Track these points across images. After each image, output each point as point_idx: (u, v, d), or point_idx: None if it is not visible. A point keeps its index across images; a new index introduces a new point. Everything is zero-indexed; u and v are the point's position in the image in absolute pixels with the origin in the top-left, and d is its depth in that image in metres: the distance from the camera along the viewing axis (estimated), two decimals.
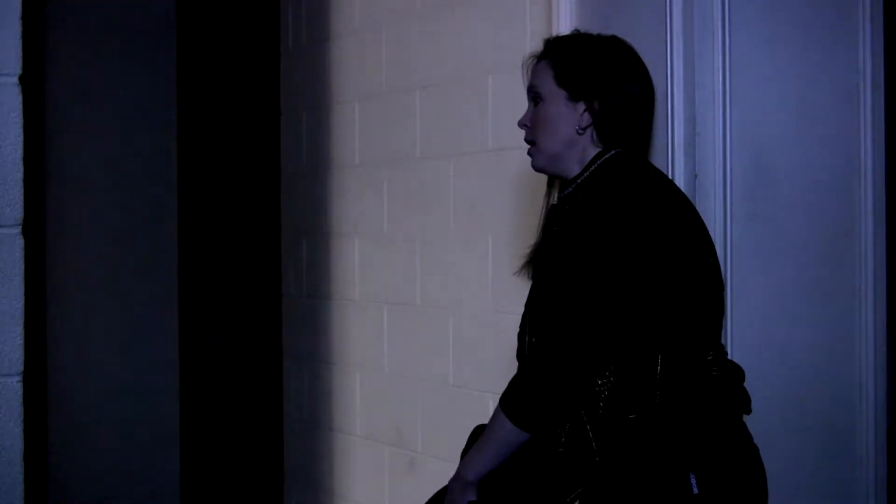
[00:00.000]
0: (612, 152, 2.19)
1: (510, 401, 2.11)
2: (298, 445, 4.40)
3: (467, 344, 3.47)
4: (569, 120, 2.21)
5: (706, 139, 2.60)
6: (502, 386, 3.37)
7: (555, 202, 2.30)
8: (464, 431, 3.48)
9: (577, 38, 2.29)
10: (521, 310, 3.24)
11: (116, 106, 5.08)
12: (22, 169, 2.04)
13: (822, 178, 2.74)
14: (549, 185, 2.33)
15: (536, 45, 3.21)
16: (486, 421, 3.28)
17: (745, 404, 2.16)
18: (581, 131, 2.20)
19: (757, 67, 2.64)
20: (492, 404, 3.35)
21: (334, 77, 4.12)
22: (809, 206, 2.72)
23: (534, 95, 2.27)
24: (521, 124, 2.30)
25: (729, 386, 2.13)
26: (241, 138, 4.76)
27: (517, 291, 3.27)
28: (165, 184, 5.17)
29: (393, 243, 3.81)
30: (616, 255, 2.01)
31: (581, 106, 2.20)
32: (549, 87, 2.23)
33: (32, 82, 4.70)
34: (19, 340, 2.04)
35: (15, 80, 2.04)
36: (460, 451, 3.58)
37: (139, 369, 5.12)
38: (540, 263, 2.22)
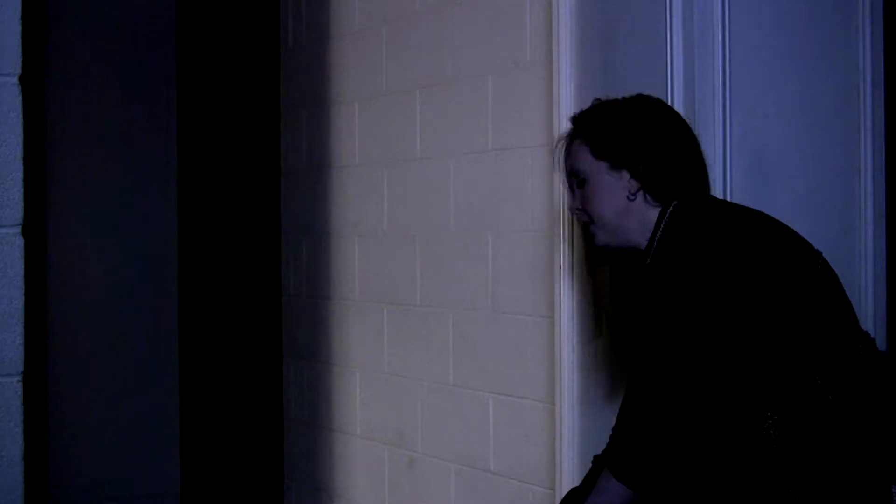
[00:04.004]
0: (673, 206, 2.17)
1: (621, 463, 2.10)
2: (298, 445, 4.40)
3: (467, 344, 3.47)
4: (617, 189, 2.20)
5: (706, 139, 2.60)
6: (502, 386, 3.38)
7: (615, 271, 2.29)
8: (464, 431, 3.48)
9: (602, 107, 2.28)
10: (521, 310, 3.24)
11: (116, 106, 5.08)
12: (22, 169, 2.04)
13: (822, 178, 2.74)
14: (602, 261, 2.31)
15: (536, 45, 3.22)
16: (485, 421, 3.29)
17: None
18: (632, 197, 2.19)
19: (757, 67, 2.64)
20: (492, 404, 3.35)
21: (334, 77, 4.12)
22: (809, 205, 2.72)
23: (578, 180, 2.26)
24: (574, 209, 2.29)
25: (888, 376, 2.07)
26: (241, 138, 4.76)
27: (517, 291, 3.27)
28: (166, 183, 5.17)
29: (393, 243, 3.81)
30: (736, 299, 1.98)
31: (625, 173, 2.19)
32: (589, 163, 2.23)
33: (32, 82, 4.71)
34: (19, 340, 2.04)
35: (15, 80, 2.04)
36: (460, 451, 3.60)
37: (139, 369, 5.12)
38: (646, 334, 2.14)
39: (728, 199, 2.62)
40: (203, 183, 5.04)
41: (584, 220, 2.26)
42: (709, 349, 1.99)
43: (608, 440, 2.32)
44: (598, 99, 2.35)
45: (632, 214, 2.20)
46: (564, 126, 2.88)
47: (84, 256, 5.04)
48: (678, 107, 2.60)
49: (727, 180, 2.61)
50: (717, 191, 2.63)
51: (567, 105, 2.88)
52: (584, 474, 2.87)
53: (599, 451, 2.83)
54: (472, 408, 3.44)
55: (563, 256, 2.90)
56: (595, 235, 2.25)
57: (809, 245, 2.13)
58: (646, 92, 2.65)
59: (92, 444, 5.02)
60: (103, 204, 5.07)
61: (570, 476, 2.89)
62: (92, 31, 5.05)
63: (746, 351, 1.98)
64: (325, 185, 4.18)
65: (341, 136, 4.09)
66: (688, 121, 2.59)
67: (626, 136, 2.19)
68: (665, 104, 2.28)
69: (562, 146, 2.31)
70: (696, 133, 2.60)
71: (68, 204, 5.00)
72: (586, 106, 2.83)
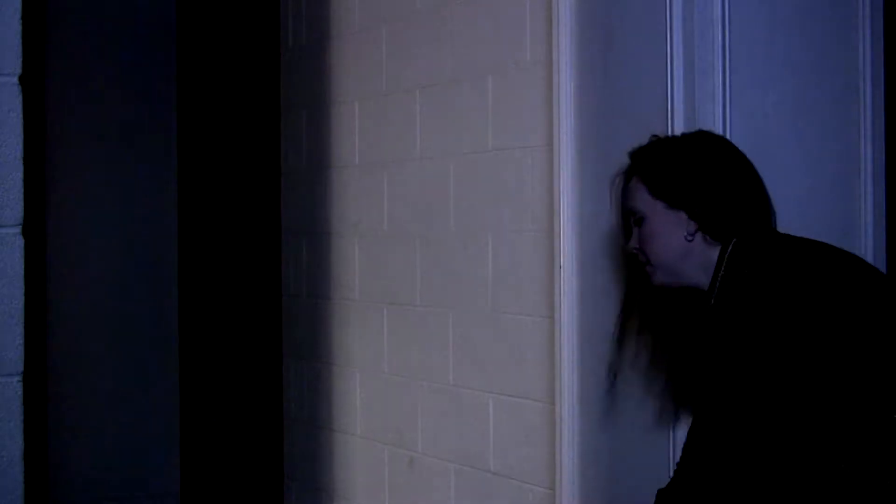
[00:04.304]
0: (732, 244, 2.13)
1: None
2: (298, 445, 4.40)
3: (467, 344, 3.47)
4: (674, 229, 2.16)
5: None
6: (502, 386, 3.38)
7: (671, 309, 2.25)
8: (464, 431, 3.48)
9: (659, 144, 2.25)
10: (521, 310, 3.24)
11: (116, 106, 5.08)
12: (22, 169, 2.04)
13: (822, 178, 2.74)
14: (653, 299, 2.27)
15: (536, 45, 3.22)
16: (485, 421, 3.29)
17: None
18: (690, 237, 2.15)
19: (757, 67, 2.64)
20: (492, 404, 3.35)
21: (334, 77, 4.12)
22: (809, 206, 2.72)
23: (635, 219, 2.22)
24: (632, 248, 2.24)
25: None
26: (241, 138, 4.76)
27: (517, 291, 3.27)
28: (165, 184, 5.17)
29: (393, 243, 3.81)
30: (814, 338, 1.93)
31: (682, 213, 2.15)
32: (646, 202, 2.19)
33: (32, 82, 4.71)
34: (19, 340, 2.04)
35: (15, 80, 2.04)
36: (460, 451, 3.60)
37: (139, 369, 5.12)
38: (715, 375, 2.10)
39: None
40: (203, 183, 5.03)
41: (642, 260, 2.22)
42: (786, 390, 1.95)
43: (672, 475, 2.30)
44: (656, 135, 2.31)
45: (691, 255, 2.16)
46: (564, 126, 2.88)
47: (84, 256, 5.04)
48: (678, 107, 2.60)
49: None
50: None
51: (567, 105, 2.88)
52: (584, 474, 2.87)
53: (598, 450, 2.83)
54: (472, 408, 3.43)
55: (563, 256, 2.90)
56: (652, 276, 2.21)
57: (883, 275, 2.08)
58: (645, 92, 2.66)
59: (92, 444, 5.02)
60: (103, 204, 5.07)
61: (570, 476, 2.89)
62: (92, 31, 5.05)
63: (826, 390, 1.93)
64: (325, 185, 4.18)
65: (341, 136, 4.09)
66: (687, 122, 2.60)
67: (683, 175, 2.15)
68: (725, 141, 2.23)
69: (618, 182, 2.27)
70: (695, 129, 2.60)
71: (68, 204, 5.00)
72: (587, 106, 2.83)
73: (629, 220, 2.25)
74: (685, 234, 2.15)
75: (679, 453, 2.60)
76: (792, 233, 2.76)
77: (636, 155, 2.26)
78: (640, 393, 2.62)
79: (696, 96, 2.59)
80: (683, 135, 2.27)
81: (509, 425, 3.29)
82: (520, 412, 3.24)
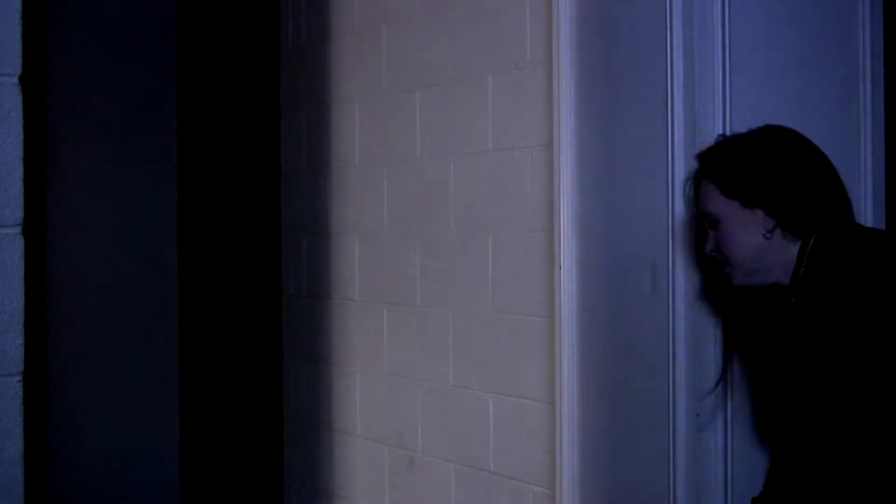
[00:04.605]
0: (814, 238, 2.08)
1: None
2: (298, 445, 4.40)
3: (467, 344, 3.47)
4: (751, 228, 2.12)
5: (706, 139, 2.60)
6: (502, 386, 3.38)
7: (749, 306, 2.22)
8: (464, 431, 3.48)
9: (727, 143, 2.22)
10: (521, 310, 3.24)
11: (116, 106, 5.08)
12: (22, 169, 2.04)
13: None
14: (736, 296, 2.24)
15: (536, 45, 3.22)
16: (485, 421, 3.29)
17: None
18: (768, 235, 2.11)
19: (757, 67, 2.64)
20: (492, 404, 3.35)
21: (335, 76, 4.12)
22: None
23: (709, 221, 2.19)
24: (710, 252, 2.21)
25: None
26: (241, 138, 4.76)
27: (517, 291, 3.27)
28: (165, 183, 5.17)
29: (393, 243, 3.81)
30: None
31: (759, 211, 2.11)
32: (720, 204, 2.15)
33: (32, 82, 4.70)
34: (19, 340, 2.04)
35: (15, 80, 2.04)
36: (460, 451, 3.60)
37: (139, 369, 5.12)
38: (803, 374, 2.05)
39: None
40: (203, 183, 5.04)
41: (720, 262, 2.19)
42: (878, 387, 1.92)
43: (763, 484, 2.25)
44: (723, 135, 2.28)
45: (770, 252, 2.12)
46: (564, 126, 2.88)
47: (84, 256, 5.04)
48: (678, 106, 2.60)
49: None
50: None
51: (567, 105, 2.88)
52: (584, 474, 2.87)
53: (598, 450, 2.83)
54: (472, 408, 3.43)
55: (563, 256, 2.90)
56: (731, 277, 2.17)
57: None
58: (645, 92, 2.66)
59: (92, 443, 5.02)
60: (103, 204, 5.07)
61: (570, 476, 2.89)
62: (92, 31, 5.05)
63: None
64: (325, 185, 4.18)
65: (341, 136, 4.09)
66: (687, 122, 2.60)
67: (756, 171, 2.12)
68: (795, 133, 2.19)
69: (689, 187, 2.25)
70: (695, 132, 2.60)
71: (68, 204, 5.00)
72: (587, 106, 2.83)
73: (703, 224, 2.21)
74: (763, 231, 2.11)
75: (678, 454, 2.60)
76: None
77: (705, 156, 2.22)
78: (736, 403, 2.57)
79: (696, 96, 2.59)
80: (751, 131, 2.22)
81: (509, 425, 3.29)
82: (520, 412, 3.24)
